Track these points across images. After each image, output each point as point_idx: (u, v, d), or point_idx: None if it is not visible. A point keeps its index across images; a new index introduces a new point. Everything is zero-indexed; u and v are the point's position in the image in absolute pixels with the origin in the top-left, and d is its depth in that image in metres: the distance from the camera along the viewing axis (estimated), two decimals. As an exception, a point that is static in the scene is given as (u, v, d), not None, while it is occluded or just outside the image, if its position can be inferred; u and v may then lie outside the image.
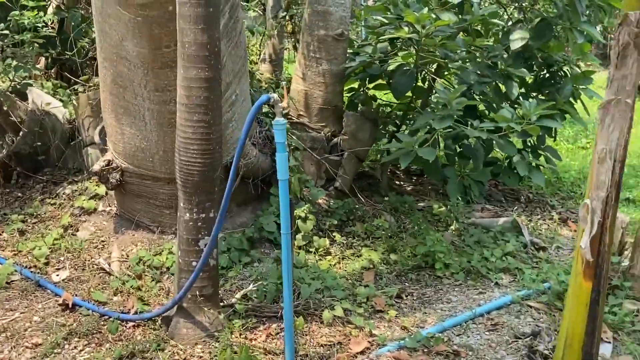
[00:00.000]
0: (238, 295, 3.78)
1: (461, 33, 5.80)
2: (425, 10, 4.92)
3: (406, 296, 4.21)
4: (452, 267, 4.54)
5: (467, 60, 5.38)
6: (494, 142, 5.27)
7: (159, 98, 4.06)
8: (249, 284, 3.97)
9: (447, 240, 4.92)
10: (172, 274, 4.05)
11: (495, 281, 4.45)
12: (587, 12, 5.86)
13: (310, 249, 4.63)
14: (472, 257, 4.69)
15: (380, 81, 5.92)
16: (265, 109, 4.88)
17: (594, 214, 2.69)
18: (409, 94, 5.69)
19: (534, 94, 6.18)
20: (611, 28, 11.68)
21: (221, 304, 3.64)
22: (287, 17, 6.56)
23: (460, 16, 5.38)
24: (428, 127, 5.15)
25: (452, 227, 5.22)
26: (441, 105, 4.97)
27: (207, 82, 3.17)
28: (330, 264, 4.50)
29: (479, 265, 4.58)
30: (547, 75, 6.17)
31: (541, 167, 6.00)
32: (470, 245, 4.91)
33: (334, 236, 4.84)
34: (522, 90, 6.11)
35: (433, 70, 5.82)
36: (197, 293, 3.40)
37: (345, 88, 6.00)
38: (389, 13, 5.30)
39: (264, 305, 3.75)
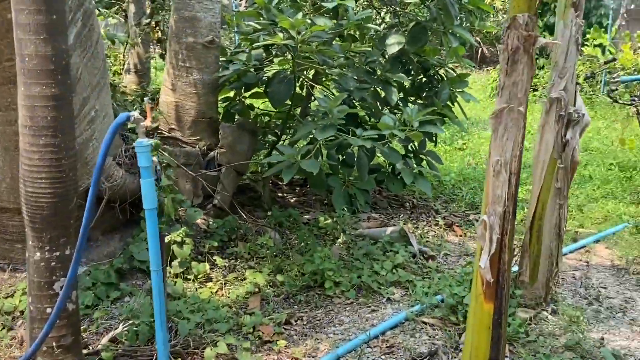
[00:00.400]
0: (105, 340, 3.32)
1: (337, 38, 5.62)
2: (300, 15, 4.66)
3: (296, 321, 3.91)
4: (343, 284, 4.30)
5: (346, 66, 5.18)
6: (378, 150, 5.11)
7: (2, 118, 3.55)
8: (119, 324, 3.52)
9: (335, 255, 4.69)
10: (28, 319, 3.52)
11: (387, 296, 4.26)
12: (459, 15, 5.86)
13: (189, 276, 4.23)
14: (362, 271, 4.47)
15: (257, 90, 5.62)
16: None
17: (492, 231, 2.52)
18: (288, 102, 5.42)
19: (413, 99, 6.12)
20: (479, 31, 12.09)
21: (85, 351, 3.17)
22: (153, 24, 6.09)
23: (335, 21, 5.17)
24: (310, 137, 4.90)
25: (340, 240, 5.00)
26: (322, 113, 4.73)
27: (54, 100, 2.71)
28: (211, 292, 4.12)
29: (370, 280, 4.37)
30: (425, 79, 6.12)
31: (424, 172, 5.92)
32: (359, 259, 4.69)
33: (215, 260, 4.46)
34: (401, 95, 6.02)
35: (311, 77, 5.58)
36: (54, 344, 2.91)
37: (220, 98, 5.64)
38: (261, 18, 5.00)
39: (136, 349, 3.32)
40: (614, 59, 7.30)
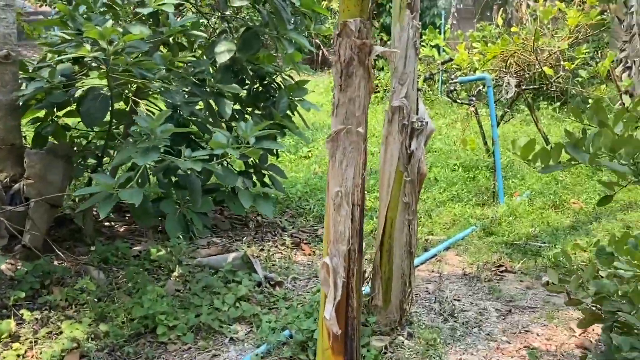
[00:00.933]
0: None
1: (162, 47, 5.05)
2: (110, 23, 4.05)
3: (123, 380, 3.34)
4: (178, 328, 3.76)
5: (169, 78, 4.62)
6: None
7: None
8: None
9: (169, 291, 4.15)
10: None
11: (230, 336, 3.78)
12: (293, 20, 5.51)
13: (-12, 339, 3.51)
14: (202, 309, 3.96)
15: (70, 108, 4.90)
16: None
17: (336, 275, 2.13)
18: (110, 119, 4.76)
19: (250, 109, 5.69)
20: (316, 34, 11.96)
21: None
22: None
23: (155, 28, 4.61)
24: (132, 161, 4.30)
25: (175, 274, 4.45)
26: (144, 134, 4.14)
27: None
28: (18, 355, 3.42)
29: (210, 319, 3.87)
30: (261, 88, 5.71)
31: (267, 189, 5.51)
32: (197, 294, 4.17)
33: (22, 314, 3.75)
34: (237, 106, 5.57)
35: (134, 91, 4.97)
36: None
37: (29, 119, 4.88)
38: (69, 28, 4.33)
39: None
40: (451, 59, 7.34)
